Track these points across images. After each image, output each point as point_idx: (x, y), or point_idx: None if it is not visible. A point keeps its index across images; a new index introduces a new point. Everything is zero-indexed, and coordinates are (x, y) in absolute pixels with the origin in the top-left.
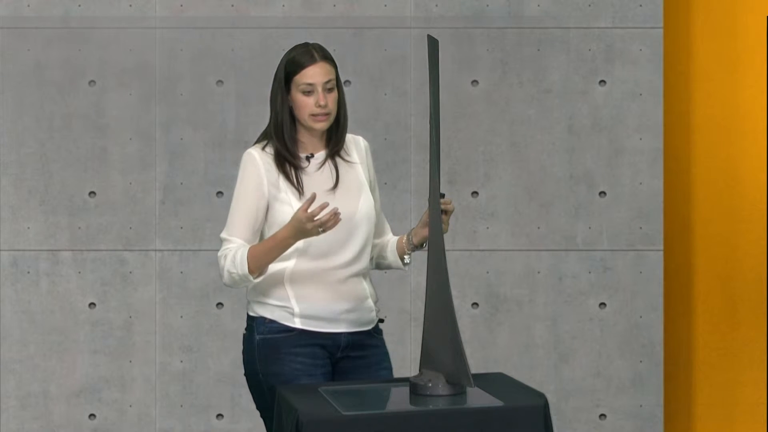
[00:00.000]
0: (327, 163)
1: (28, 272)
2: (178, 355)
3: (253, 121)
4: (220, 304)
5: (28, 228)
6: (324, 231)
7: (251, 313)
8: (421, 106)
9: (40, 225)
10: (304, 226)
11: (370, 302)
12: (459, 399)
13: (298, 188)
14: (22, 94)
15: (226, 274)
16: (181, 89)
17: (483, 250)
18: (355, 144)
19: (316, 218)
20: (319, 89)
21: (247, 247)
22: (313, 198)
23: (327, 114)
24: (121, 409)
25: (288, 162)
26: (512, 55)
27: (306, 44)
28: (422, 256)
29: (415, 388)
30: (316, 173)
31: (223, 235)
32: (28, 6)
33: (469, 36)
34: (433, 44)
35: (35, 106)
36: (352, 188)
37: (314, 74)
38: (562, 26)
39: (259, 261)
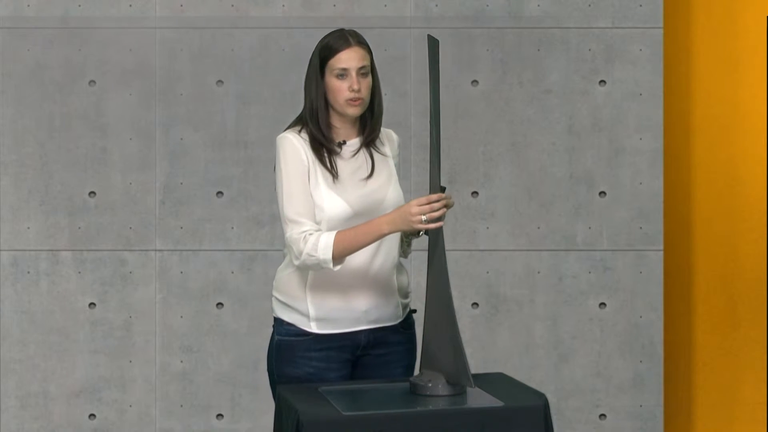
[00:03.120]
0: (362, 152)
1: (28, 272)
2: (178, 355)
3: (253, 121)
4: (220, 304)
5: (28, 228)
6: (427, 226)
7: (274, 314)
8: (421, 106)
9: (40, 225)
10: (411, 218)
11: (397, 297)
12: (459, 399)
13: (332, 172)
14: (22, 94)
15: (304, 257)
16: (181, 89)
17: (483, 250)
18: (388, 137)
19: (425, 215)
20: (353, 74)
21: (333, 232)
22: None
23: (361, 99)
24: (121, 409)
25: (324, 146)
26: (512, 55)
27: (341, 29)
28: (422, 256)
29: (415, 388)
30: (351, 160)
31: (289, 214)
32: (28, 6)
33: (469, 36)
34: (433, 44)
35: (35, 106)
36: (382, 179)
37: (348, 58)
38: (562, 26)
39: (346, 249)
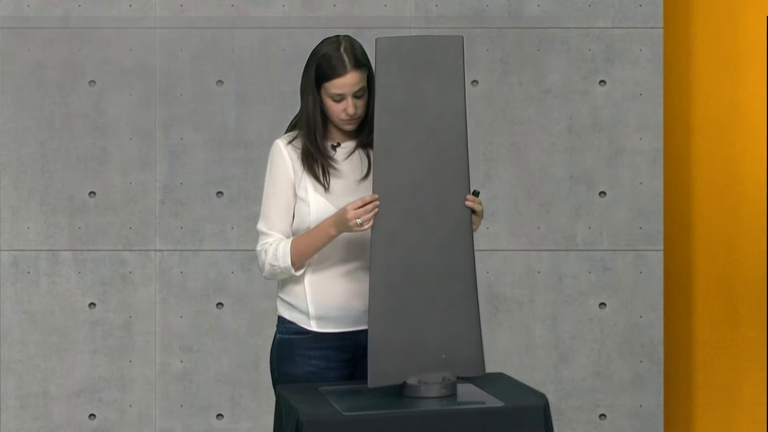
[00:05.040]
0: (357, 153)
1: (28, 272)
2: (178, 355)
3: (253, 121)
4: (220, 304)
5: (28, 228)
6: (361, 228)
7: (278, 312)
8: None
9: (40, 225)
10: (347, 222)
11: None
12: (459, 399)
13: (324, 184)
14: (22, 94)
15: (267, 267)
16: (181, 89)
17: (483, 250)
18: None
19: (360, 218)
20: (349, 99)
21: (290, 239)
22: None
23: (356, 118)
24: (121, 409)
25: (317, 160)
26: (512, 55)
27: (339, 44)
28: None
29: (409, 389)
30: (345, 162)
31: (260, 227)
32: (28, 6)
33: (469, 36)
34: (456, 42)
35: (35, 106)
36: None
37: (344, 85)
38: (562, 26)
39: (302, 253)
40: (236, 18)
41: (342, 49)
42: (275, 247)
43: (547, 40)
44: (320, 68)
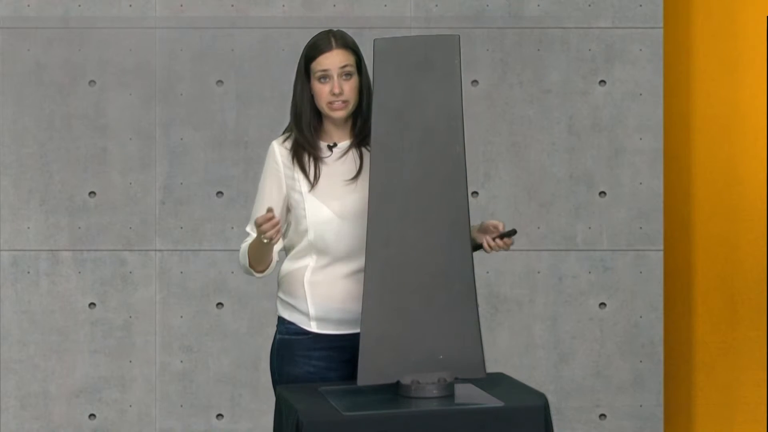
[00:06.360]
0: (351, 152)
1: (28, 272)
2: (178, 355)
3: (253, 121)
4: (220, 304)
5: (28, 228)
6: (266, 240)
7: (277, 312)
8: None
9: (40, 225)
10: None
11: None
12: (459, 399)
13: (312, 181)
14: (22, 94)
15: (241, 266)
16: (181, 89)
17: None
18: None
19: (263, 229)
20: (335, 76)
21: (249, 241)
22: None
23: (344, 102)
24: (121, 409)
25: (306, 152)
26: (512, 55)
27: (328, 31)
28: None
29: (403, 389)
30: (337, 162)
31: (247, 229)
32: (28, 6)
33: (469, 36)
34: (452, 41)
35: (35, 106)
36: None
37: (329, 61)
38: (562, 26)
39: (253, 255)
40: (236, 18)
41: (330, 34)
42: (243, 246)
43: (547, 40)
44: (308, 54)
